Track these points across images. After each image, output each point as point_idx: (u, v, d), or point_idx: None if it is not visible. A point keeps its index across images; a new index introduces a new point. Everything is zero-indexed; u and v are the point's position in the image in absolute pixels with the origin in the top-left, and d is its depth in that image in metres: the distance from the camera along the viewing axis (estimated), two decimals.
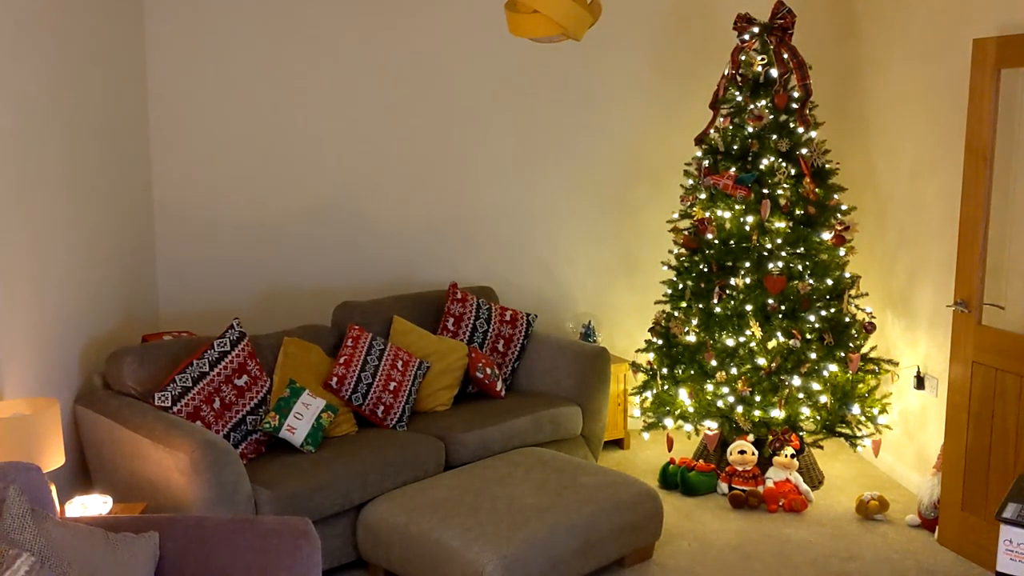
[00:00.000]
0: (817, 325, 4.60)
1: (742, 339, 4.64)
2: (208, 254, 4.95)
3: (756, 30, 4.75)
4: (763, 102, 4.73)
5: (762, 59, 4.75)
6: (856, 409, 4.64)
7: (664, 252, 5.54)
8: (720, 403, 4.69)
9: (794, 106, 4.71)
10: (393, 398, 4.27)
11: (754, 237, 4.65)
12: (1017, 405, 3.80)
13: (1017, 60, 3.76)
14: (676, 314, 4.86)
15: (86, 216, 3.95)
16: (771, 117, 4.70)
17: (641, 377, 5.06)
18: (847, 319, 4.68)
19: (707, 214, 4.78)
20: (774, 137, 4.67)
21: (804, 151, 4.69)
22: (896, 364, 4.81)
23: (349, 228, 5.17)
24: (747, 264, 4.64)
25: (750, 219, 4.68)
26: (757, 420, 4.69)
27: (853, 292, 4.74)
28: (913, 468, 4.82)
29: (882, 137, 5.14)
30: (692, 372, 4.77)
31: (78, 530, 2.44)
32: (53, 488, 2.82)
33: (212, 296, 4.98)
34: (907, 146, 4.88)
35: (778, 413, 4.61)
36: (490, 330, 4.85)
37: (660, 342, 4.92)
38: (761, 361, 4.61)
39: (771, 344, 4.61)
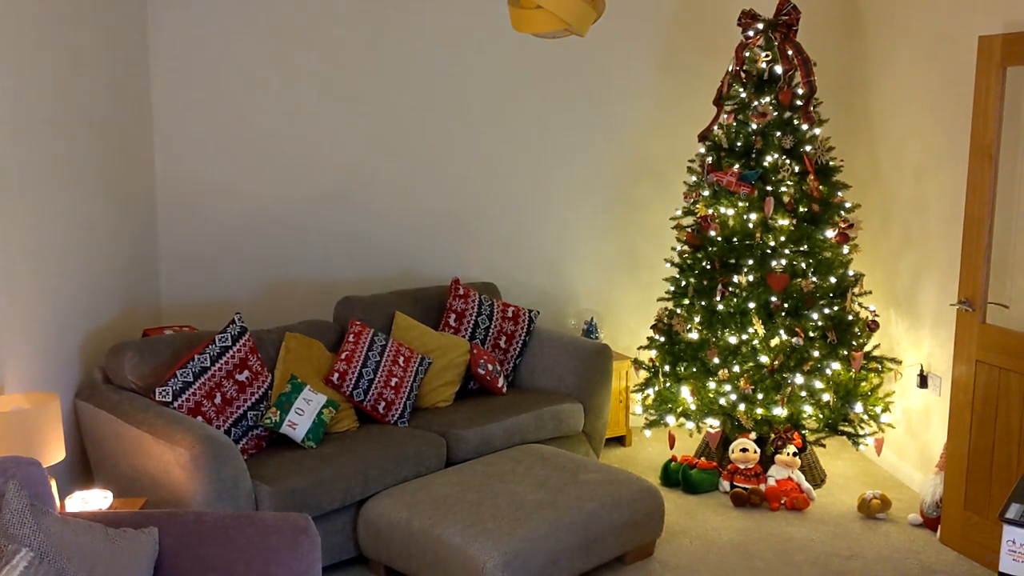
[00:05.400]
0: (820, 323, 4.59)
1: (745, 337, 4.63)
2: (210, 248, 4.94)
3: (760, 26, 4.73)
4: (767, 99, 4.72)
5: (766, 55, 4.73)
6: (859, 407, 4.63)
7: (667, 249, 5.52)
8: (722, 401, 4.68)
9: (798, 103, 4.69)
10: (395, 394, 4.26)
11: (757, 234, 4.64)
12: (1021, 404, 3.79)
13: (1023, 58, 3.74)
14: (679, 311, 4.85)
15: (87, 209, 3.94)
16: (775, 114, 4.68)
17: (643, 374, 5.05)
18: (850, 317, 4.67)
19: (710, 211, 4.76)
20: (778, 134, 4.66)
21: (808, 148, 4.68)
22: (899, 362, 4.80)
23: (351, 223, 5.16)
24: (750, 261, 4.63)
25: (753, 216, 4.66)
26: (759, 418, 4.68)
27: (856, 290, 4.73)
28: (916, 467, 4.81)
29: (886, 134, 5.13)
30: (694, 369, 4.76)
31: (77, 525, 2.43)
32: (53, 483, 2.82)
33: (214, 290, 4.98)
34: (912, 144, 4.86)
35: (780, 411, 4.60)
36: (492, 326, 4.84)
37: (662, 339, 4.91)
38: (764, 359, 4.60)
39: (774, 342, 4.60)
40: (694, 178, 4.93)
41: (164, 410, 3.55)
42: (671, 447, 4.98)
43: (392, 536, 3.61)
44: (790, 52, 4.68)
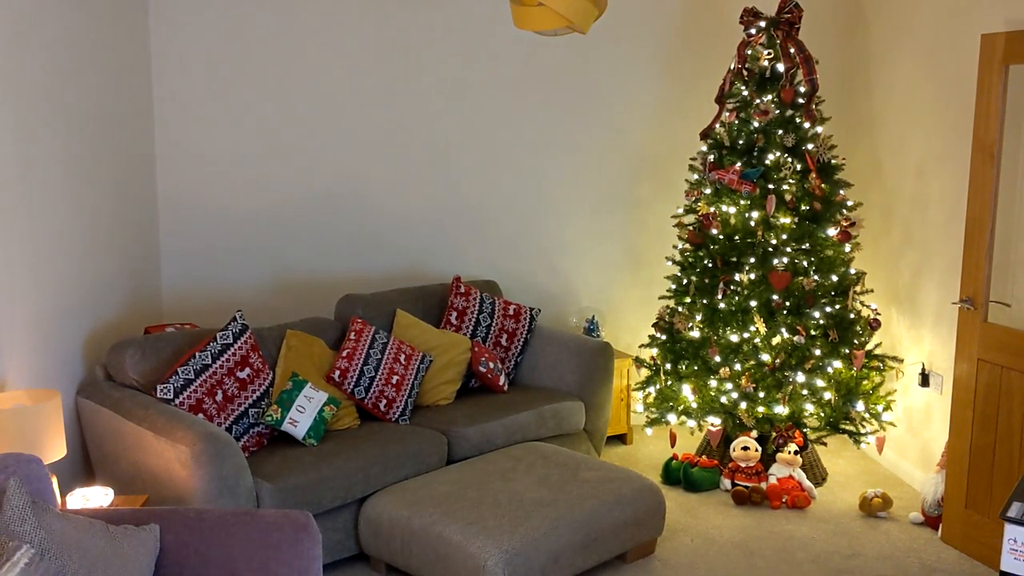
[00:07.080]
0: (822, 321, 4.59)
1: (746, 335, 4.63)
2: (211, 246, 4.95)
3: (763, 24, 4.72)
4: (769, 97, 4.71)
5: (768, 53, 4.73)
6: (860, 406, 4.63)
7: (668, 247, 5.52)
8: (724, 399, 4.68)
9: (800, 101, 4.68)
10: (395, 392, 4.26)
11: (759, 233, 4.63)
12: (1022, 403, 3.78)
13: None
14: (680, 309, 4.85)
15: (89, 206, 3.94)
16: (777, 112, 4.68)
17: (644, 372, 5.05)
18: (852, 315, 4.67)
19: (712, 209, 4.76)
20: (780, 132, 4.65)
21: (810, 146, 4.67)
22: (901, 361, 4.80)
23: (352, 221, 5.16)
24: (752, 260, 4.62)
25: (755, 214, 4.66)
26: (761, 416, 4.68)
27: (858, 288, 4.72)
28: (917, 465, 4.81)
29: (888, 133, 5.12)
30: (696, 368, 4.75)
31: (78, 522, 2.44)
32: (54, 480, 2.82)
33: (215, 288, 4.98)
34: (914, 142, 4.86)
35: (782, 409, 4.60)
36: (493, 324, 4.84)
37: (664, 337, 4.91)
38: (765, 357, 4.60)
39: (775, 340, 4.60)
40: (696, 176, 4.92)
41: (165, 407, 3.55)
42: (672, 445, 4.98)
43: (393, 534, 3.62)
44: (792, 50, 4.68)
